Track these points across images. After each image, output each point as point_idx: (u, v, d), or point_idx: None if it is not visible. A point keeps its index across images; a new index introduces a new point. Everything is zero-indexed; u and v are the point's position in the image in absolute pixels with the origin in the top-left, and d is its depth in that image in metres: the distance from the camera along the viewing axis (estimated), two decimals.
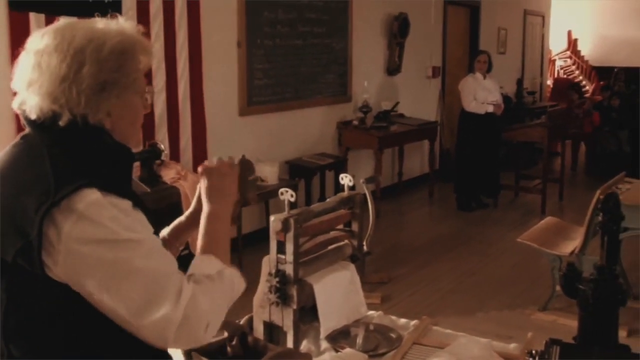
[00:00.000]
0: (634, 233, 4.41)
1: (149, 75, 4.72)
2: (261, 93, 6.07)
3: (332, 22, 6.91)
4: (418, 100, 8.53)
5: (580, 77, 13.76)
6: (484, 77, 7.30)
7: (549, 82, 13.63)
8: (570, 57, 13.98)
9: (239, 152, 1.68)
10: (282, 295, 1.93)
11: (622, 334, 3.83)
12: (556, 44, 13.81)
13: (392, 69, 8.00)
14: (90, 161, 1.35)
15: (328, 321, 2.01)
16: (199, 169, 1.61)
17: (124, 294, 1.28)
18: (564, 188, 8.05)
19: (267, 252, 1.98)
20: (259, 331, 2.01)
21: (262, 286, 1.98)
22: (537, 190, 7.55)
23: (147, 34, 1.51)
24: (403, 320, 2.15)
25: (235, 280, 1.47)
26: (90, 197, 1.28)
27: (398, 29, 7.84)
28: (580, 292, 1.76)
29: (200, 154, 5.27)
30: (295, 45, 6.42)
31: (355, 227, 2.23)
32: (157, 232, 1.47)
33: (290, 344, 1.95)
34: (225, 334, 1.78)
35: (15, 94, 1.40)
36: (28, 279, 1.31)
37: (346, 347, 1.93)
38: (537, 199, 7.51)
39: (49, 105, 1.34)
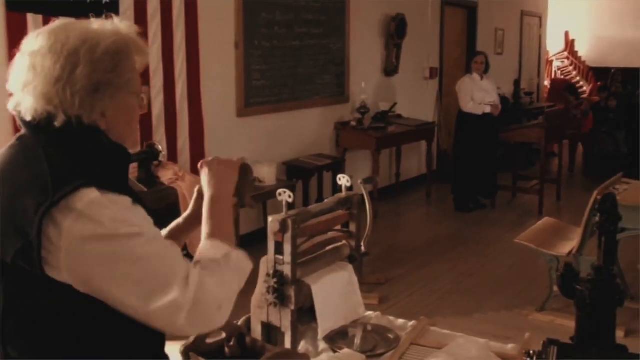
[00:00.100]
0: (631, 233, 4.42)
1: (146, 76, 4.73)
2: (259, 94, 6.07)
3: (330, 23, 6.91)
4: (415, 101, 8.54)
5: (578, 78, 13.79)
6: (482, 78, 7.30)
7: (547, 82, 13.65)
8: (567, 58, 14.01)
9: (237, 153, 1.69)
10: (280, 295, 1.93)
11: (619, 334, 3.83)
12: (553, 45, 13.83)
13: (390, 69, 8.00)
14: (87, 161, 1.35)
15: (326, 322, 2.01)
16: (200, 164, 1.62)
17: (130, 283, 1.29)
18: (562, 189, 8.06)
19: (265, 252, 1.98)
20: (257, 332, 2.01)
21: (260, 287, 1.98)
22: (535, 191, 7.56)
23: (144, 35, 1.51)
24: (401, 321, 2.15)
25: (242, 262, 1.49)
26: (89, 196, 1.28)
27: (395, 30, 7.85)
28: (578, 293, 1.76)
29: (198, 155, 5.26)
30: (292, 46, 6.42)
31: (353, 227, 2.23)
32: None
33: (288, 344, 1.95)
34: (223, 335, 1.78)
35: (11, 95, 1.41)
36: (27, 280, 1.31)
37: (344, 347, 1.93)
38: (534, 200, 7.52)
39: (43, 107, 1.35)
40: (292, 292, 1.93)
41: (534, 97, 11.79)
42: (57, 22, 1.43)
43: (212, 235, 1.49)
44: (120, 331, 1.38)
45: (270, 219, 1.92)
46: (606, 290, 1.73)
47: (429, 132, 7.98)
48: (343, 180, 2.18)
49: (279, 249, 1.93)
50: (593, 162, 9.69)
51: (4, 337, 1.37)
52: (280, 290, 1.93)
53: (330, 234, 2.20)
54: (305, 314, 2.02)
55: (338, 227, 2.23)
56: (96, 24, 1.42)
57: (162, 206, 4.14)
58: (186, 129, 5.24)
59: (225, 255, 1.44)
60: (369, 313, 2.19)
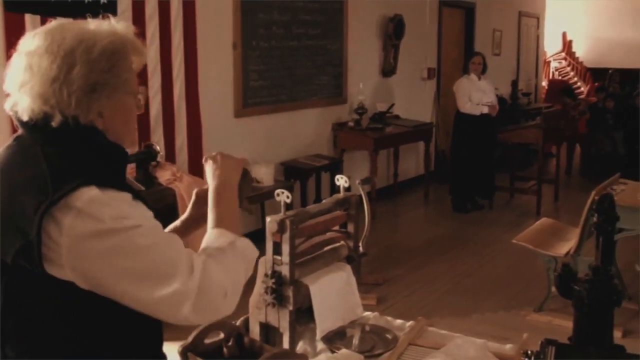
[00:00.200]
0: (628, 234, 4.43)
1: (144, 77, 4.73)
2: (256, 94, 6.07)
3: (327, 24, 6.91)
4: (413, 102, 8.54)
5: (575, 79, 13.80)
6: (479, 79, 7.31)
7: (544, 83, 13.67)
8: (565, 59, 14.03)
9: (235, 153, 1.68)
10: (278, 296, 1.92)
11: (617, 334, 3.83)
12: (551, 46, 13.85)
13: (388, 70, 8.00)
14: (86, 160, 1.36)
15: (324, 322, 2.01)
16: (204, 158, 1.64)
17: (133, 275, 1.29)
18: (559, 189, 8.07)
19: (263, 253, 1.98)
20: (255, 332, 2.01)
21: (258, 287, 1.97)
22: (532, 192, 7.57)
23: (142, 36, 1.51)
24: (399, 321, 2.15)
25: (248, 249, 1.50)
26: (89, 194, 1.28)
27: (393, 31, 7.85)
28: (576, 293, 1.76)
29: (195, 156, 5.26)
30: (290, 47, 6.43)
31: (351, 228, 2.23)
32: None
33: (286, 345, 1.95)
34: (222, 335, 1.78)
35: (8, 95, 1.41)
36: (27, 280, 1.31)
37: (342, 348, 1.93)
38: (532, 200, 7.53)
39: (40, 107, 1.35)
40: (290, 292, 1.93)
41: (531, 97, 11.81)
42: (54, 23, 1.43)
43: (217, 224, 1.51)
44: (119, 331, 1.38)
45: (268, 219, 1.92)
46: (604, 290, 1.73)
47: (427, 132, 7.98)
48: (341, 180, 2.18)
49: (277, 250, 1.93)
50: (591, 162, 9.70)
51: (3, 338, 1.38)
52: (278, 290, 1.92)
53: (329, 235, 2.19)
54: (304, 315, 2.02)
55: (336, 228, 2.23)
56: (93, 24, 1.42)
57: (160, 207, 4.14)
58: (184, 130, 5.24)
59: (230, 243, 1.46)
60: (367, 313, 2.19)
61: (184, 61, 5.19)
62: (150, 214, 1.38)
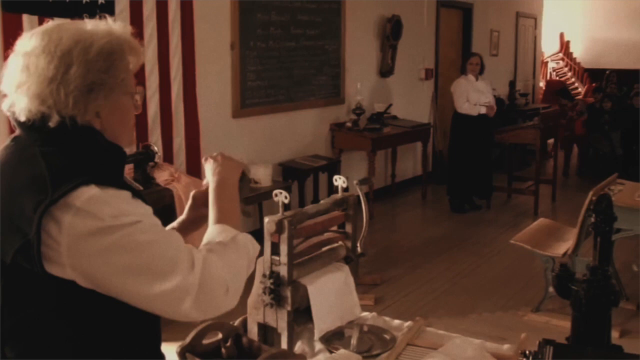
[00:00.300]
0: (626, 234, 4.43)
1: (142, 77, 4.72)
2: (254, 95, 6.07)
3: (325, 24, 6.91)
4: (411, 102, 8.55)
5: (573, 79, 13.82)
6: (477, 79, 7.32)
7: (542, 84, 13.68)
8: (562, 59, 14.04)
9: (233, 154, 1.69)
10: (276, 296, 1.93)
11: (614, 334, 3.84)
12: (548, 46, 13.86)
13: (385, 70, 8.01)
14: (84, 160, 1.36)
15: (322, 322, 2.01)
16: (205, 157, 1.66)
17: (133, 271, 1.29)
18: (557, 190, 8.08)
19: (261, 253, 1.98)
20: (253, 332, 2.01)
21: (256, 288, 1.98)
22: (530, 192, 7.57)
23: (140, 36, 1.51)
24: (397, 322, 2.15)
25: (249, 244, 1.51)
26: (89, 193, 1.28)
27: (391, 31, 7.86)
28: (574, 293, 1.77)
29: (193, 156, 5.26)
30: (288, 47, 6.43)
31: (349, 228, 2.23)
32: None
33: (284, 345, 1.95)
34: (220, 336, 1.78)
35: (5, 96, 1.41)
36: (27, 279, 1.31)
37: (340, 348, 1.93)
38: (529, 201, 7.53)
39: (37, 107, 1.35)
40: (288, 292, 1.93)
41: (529, 98, 11.81)
42: (51, 23, 1.43)
43: (218, 220, 1.52)
44: (118, 331, 1.38)
45: (266, 219, 1.92)
46: (602, 290, 1.74)
47: (425, 133, 7.99)
48: (339, 181, 2.18)
49: (275, 250, 1.93)
50: (588, 163, 9.72)
51: (3, 338, 1.37)
52: (276, 291, 1.93)
53: (327, 235, 2.20)
54: (302, 315, 2.02)
55: (334, 228, 2.23)
56: (90, 24, 1.42)
57: (158, 207, 4.13)
58: (182, 130, 5.23)
59: (232, 238, 1.47)
60: (365, 314, 2.19)
61: (181, 61, 5.19)
62: (149, 210, 1.38)
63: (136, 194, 1.37)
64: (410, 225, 7.21)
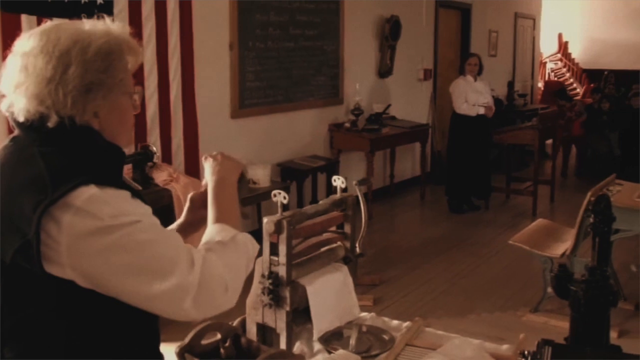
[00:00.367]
0: (624, 235, 4.44)
1: (140, 77, 4.72)
2: (253, 95, 6.07)
3: (324, 25, 6.92)
4: (409, 103, 8.55)
5: (571, 80, 13.83)
6: (475, 80, 7.32)
7: (540, 84, 13.69)
8: (560, 60, 14.05)
9: (232, 155, 1.70)
10: (275, 297, 1.93)
11: (613, 335, 3.85)
12: (547, 47, 13.87)
13: (384, 71, 8.01)
14: (83, 160, 1.35)
15: (321, 323, 2.01)
16: (204, 156, 1.66)
17: (133, 270, 1.29)
18: (555, 190, 8.08)
19: (259, 253, 1.98)
20: (252, 333, 2.01)
21: (255, 288, 1.98)
22: (528, 193, 7.58)
23: (139, 36, 1.51)
24: (395, 322, 2.15)
25: (249, 244, 1.51)
26: (89, 193, 1.28)
27: (390, 32, 7.86)
28: (572, 293, 1.77)
29: (192, 157, 5.26)
30: (286, 48, 6.43)
31: (347, 229, 2.23)
32: None
33: (283, 345, 1.95)
34: (219, 336, 1.78)
35: (3, 96, 1.40)
36: (27, 279, 1.31)
37: (339, 348, 1.93)
38: (528, 201, 7.54)
39: (35, 107, 1.35)
40: (287, 293, 1.93)
41: (527, 98, 11.82)
42: (49, 23, 1.44)
43: (217, 219, 1.52)
44: (117, 331, 1.38)
45: (265, 220, 1.92)
46: (600, 290, 1.74)
47: (423, 133, 7.99)
48: (338, 181, 2.18)
49: (274, 250, 1.93)
50: (586, 163, 9.73)
51: (3, 339, 1.37)
52: (275, 291, 1.92)
53: (325, 235, 2.20)
54: (300, 315, 2.02)
55: (333, 228, 2.23)
56: (88, 24, 1.42)
57: (157, 208, 4.13)
58: (180, 131, 5.23)
59: (232, 238, 1.47)
60: (364, 314, 2.19)
61: (180, 62, 5.18)
62: (149, 210, 1.38)
63: (135, 194, 1.37)
64: (408, 225, 7.21)
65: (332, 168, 6.54)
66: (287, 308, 1.93)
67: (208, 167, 1.63)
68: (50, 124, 1.35)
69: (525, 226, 5.19)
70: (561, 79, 13.88)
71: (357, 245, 2.24)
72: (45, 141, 1.36)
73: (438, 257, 5.86)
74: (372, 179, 7.01)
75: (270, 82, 6.25)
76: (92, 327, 1.35)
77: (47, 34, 1.38)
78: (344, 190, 2.19)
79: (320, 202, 2.17)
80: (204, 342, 1.75)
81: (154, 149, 4.47)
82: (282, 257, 1.92)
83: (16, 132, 1.42)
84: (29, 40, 1.38)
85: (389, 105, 7.61)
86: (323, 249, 2.16)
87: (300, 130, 6.73)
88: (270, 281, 1.92)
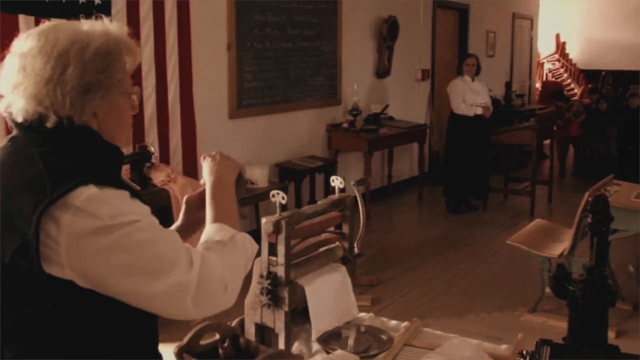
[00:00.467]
0: (622, 235, 4.44)
1: (138, 78, 4.72)
2: (251, 96, 6.07)
3: (322, 25, 6.92)
4: (407, 103, 8.56)
5: (569, 80, 13.85)
6: (473, 80, 7.32)
7: (538, 85, 13.70)
8: (558, 60, 14.08)
9: (230, 155, 1.70)
10: (273, 297, 1.93)
11: (610, 335, 3.85)
12: (544, 47, 13.89)
13: (382, 71, 8.01)
14: (82, 160, 1.36)
15: (319, 323, 2.01)
16: (203, 156, 1.66)
17: (133, 270, 1.30)
18: (553, 190, 8.09)
19: (258, 254, 1.98)
20: (250, 333, 2.01)
21: (254, 288, 1.98)
22: (526, 193, 7.58)
23: (136, 36, 1.51)
24: (394, 322, 2.15)
25: (247, 243, 1.52)
26: (88, 192, 1.28)
27: (387, 32, 7.86)
28: (570, 293, 1.77)
29: (190, 157, 5.26)
30: (284, 48, 6.43)
31: (346, 229, 2.24)
32: None
33: (281, 345, 1.95)
34: (217, 336, 1.78)
35: (1, 97, 1.40)
36: (26, 280, 1.31)
37: (337, 348, 1.93)
38: (526, 201, 7.54)
39: (34, 108, 1.34)
40: (285, 293, 1.93)
41: (525, 99, 11.84)
42: (48, 24, 1.43)
43: (216, 219, 1.52)
44: (115, 331, 1.38)
45: (263, 220, 1.92)
46: (598, 290, 1.74)
47: (421, 134, 7.99)
48: (336, 181, 2.18)
49: (272, 251, 1.93)
50: (584, 164, 9.74)
51: (2, 339, 1.37)
52: (273, 291, 1.92)
53: (324, 236, 2.20)
54: (299, 315, 2.02)
55: (331, 229, 2.23)
56: (86, 25, 1.42)
57: (154, 208, 4.13)
58: (178, 131, 5.23)
59: (231, 237, 1.47)
60: (362, 314, 2.19)
61: (178, 62, 5.18)
62: (147, 210, 1.39)
63: (134, 194, 1.38)
64: (406, 226, 7.22)
65: (330, 168, 6.54)
66: (286, 308, 1.94)
67: (206, 167, 1.63)
68: (49, 124, 1.35)
69: (523, 226, 5.19)
70: (559, 80, 13.89)
71: (355, 245, 2.25)
72: (43, 141, 1.36)
73: (436, 258, 5.86)
74: (370, 179, 7.01)
75: (268, 82, 6.25)
76: (91, 327, 1.35)
77: (46, 34, 1.38)
78: (342, 190, 2.19)
79: (319, 202, 2.17)
80: (203, 342, 1.75)
81: (152, 149, 4.47)
82: (281, 258, 1.92)
83: (14, 132, 1.42)
84: (27, 41, 1.38)
85: (386, 106, 7.61)
86: (321, 249, 2.16)
87: (298, 130, 6.73)
88: (268, 281, 1.92)
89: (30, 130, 1.37)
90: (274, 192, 1.95)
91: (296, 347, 2.01)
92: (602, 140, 9.46)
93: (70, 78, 1.34)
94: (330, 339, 2.01)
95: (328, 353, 1.92)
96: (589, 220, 1.81)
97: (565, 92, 12.74)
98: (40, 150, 1.35)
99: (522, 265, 5.40)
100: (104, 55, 1.38)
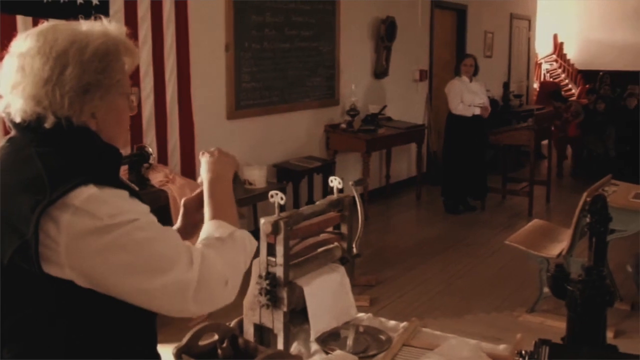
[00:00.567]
0: (620, 235, 4.45)
1: (136, 78, 4.72)
2: (249, 96, 6.07)
3: (320, 26, 6.92)
4: (405, 104, 8.56)
5: (566, 81, 13.86)
6: (471, 80, 7.33)
7: (536, 85, 13.71)
8: (556, 61, 14.09)
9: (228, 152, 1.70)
10: (272, 297, 1.92)
11: (608, 335, 3.85)
12: (542, 48, 13.90)
13: (380, 72, 8.02)
14: (81, 160, 1.36)
15: (318, 323, 2.01)
16: (201, 152, 1.66)
17: (133, 268, 1.30)
18: (551, 191, 8.09)
19: (257, 254, 1.98)
20: (249, 333, 2.01)
21: (253, 288, 1.97)
22: (524, 193, 7.59)
23: (134, 37, 1.51)
24: (392, 322, 2.15)
25: (246, 240, 1.52)
26: (88, 192, 1.28)
27: (385, 32, 7.87)
28: (569, 293, 1.77)
29: (188, 158, 5.25)
30: (282, 49, 6.43)
31: (344, 229, 2.23)
32: None
33: (280, 346, 1.95)
34: (216, 337, 1.78)
35: (0, 97, 1.40)
36: (25, 280, 1.31)
37: (336, 349, 1.93)
38: (524, 202, 7.55)
39: (32, 108, 1.34)
40: (284, 293, 1.93)
41: (523, 99, 11.84)
42: (46, 24, 1.43)
43: (215, 216, 1.52)
44: (114, 331, 1.38)
45: (262, 220, 1.92)
46: (597, 290, 1.74)
47: (419, 134, 8.00)
48: (335, 182, 2.18)
49: (271, 251, 1.93)
50: (582, 164, 9.75)
51: (2, 339, 1.37)
52: (272, 292, 1.92)
53: (322, 236, 2.20)
54: (298, 316, 2.02)
55: (330, 229, 2.23)
56: (85, 25, 1.42)
57: (153, 208, 4.13)
58: (176, 132, 5.23)
59: (230, 234, 1.47)
60: (361, 314, 2.19)
61: (176, 63, 5.18)
62: (147, 209, 1.39)
63: (133, 193, 1.38)
64: (405, 226, 7.22)
65: (328, 169, 6.54)
66: (285, 309, 1.94)
67: (204, 164, 1.63)
68: (47, 125, 1.35)
69: (521, 226, 5.19)
70: (556, 80, 13.90)
71: (354, 245, 2.24)
72: (42, 142, 1.36)
73: (434, 258, 5.86)
74: (368, 179, 7.01)
75: (266, 83, 6.25)
76: (90, 327, 1.35)
77: (44, 34, 1.38)
78: (341, 190, 2.19)
79: (317, 202, 2.17)
80: (202, 342, 1.75)
81: (150, 150, 4.47)
82: (280, 258, 1.92)
83: (12, 132, 1.42)
84: (25, 41, 1.38)
85: (384, 106, 7.61)
86: (320, 250, 2.16)
87: (296, 131, 6.73)
88: (267, 282, 1.92)
89: (29, 131, 1.37)
90: (272, 192, 1.94)
91: (295, 348, 2.01)
92: (600, 141, 9.47)
93: (69, 78, 1.34)
94: (329, 339, 2.01)
95: (327, 353, 1.92)
96: (588, 220, 1.81)
97: (563, 93, 12.76)
98: (38, 151, 1.35)
99: (521, 265, 5.40)
100: (102, 55, 1.38)
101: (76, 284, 1.30)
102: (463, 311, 4.65)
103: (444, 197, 7.55)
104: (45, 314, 1.34)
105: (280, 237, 1.90)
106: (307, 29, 6.74)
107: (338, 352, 1.90)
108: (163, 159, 5.08)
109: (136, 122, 4.75)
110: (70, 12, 4.27)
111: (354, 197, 2.21)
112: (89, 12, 4.34)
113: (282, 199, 1.93)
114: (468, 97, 7.23)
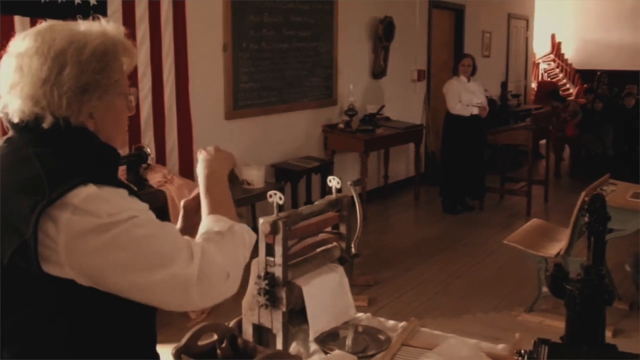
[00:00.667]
0: (618, 234, 4.45)
1: (134, 78, 4.71)
2: (247, 97, 6.07)
3: (318, 26, 6.92)
4: (403, 104, 8.56)
5: (564, 81, 13.87)
6: (469, 80, 7.33)
7: (534, 85, 13.72)
8: (554, 60, 14.09)
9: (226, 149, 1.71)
10: (271, 297, 1.92)
11: (607, 334, 3.85)
12: (540, 47, 13.91)
13: (378, 72, 8.02)
14: (80, 160, 1.35)
15: (317, 323, 2.01)
16: (199, 150, 1.66)
17: (134, 265, 1.30)
18: (549, 190, 8.10)
19: (255, 254, 1.98)
20: (248, 333, 2.00)
21: (251, 289, 1.97)
22: (523, 193, 7.60)
23: (133, 37, 1.51)
24: (391, 322, 2.15)
25: (245, 233, 1.52)
26: (87, 192, 1.28)
27: (383, 32, 7.87)
28: (568, 293, 1.77)
29: (186, 158, 5.25)
30: (280, 49, 6.43)
31: (343, 229, 2.23)
32: None
33: (279, 346, 1.95)
34: (215, 337, 1.77)
35: None
36: (25, 280, 1.31)
37: (335, 349, 1.93)
38: (522, 201, 7.55)
39: (30, 108, 1.34)
40: (283, 293, 1.92)
41: (521, 99, 11.85)
42: (44, 24, 1.43)
43: (213, 211, 1.53)
44: (114, 330, 1.38)
45: (261, 220, 1.92)
46: (596, 290, 1.74)
47: (417, 134, 8.00)
48: (333, 181, 2.18)
49: (269, 251, 1.93)
50: (580, 164, 9.75)
51: (2, 339, 1.37)
52: (271, 292, 1.92)
53: (321, 236, 2.19)
54: (297, 316, 2.02)
55: (328, 229, 2.23)
56: (83, 25, 1.42)
57: (151, 209, 4.12)
58: (174, 132, 5.22)
59: (229, 228, 1.48)
60: (360, 314, 2.19)
61: (174, 63, 5.17)
62: (145, 206, 1.39)
63: (132, 192, 1.38)
64: (403, 226, 7.22)
65: (326, 169, 6.54)
66: (283, 309, 1.93)
67: (201, 161, 1.63)
68: (45, 125, 1.35)
69: (520, 226, 5.20)
70: (554, 80, 13.91)
71: (352, 245, 2.24)
72: (40, 142, 1.36)
73: (433, 258, 5.86)
74: (366, 179, 7.01)
75: (264, 83, 6.25)
76: (90, 326, 1.35)
77: (42, 34, 1.38)
78: (339, 190, 2.19)
79: (316, 202, 2.17)
80: (201, 343, 1.74)
81: (148, 150, 4.46)
82: (278, 258, 1.92)
83: (10, 133, 1.42)
84: (23, 41, 1.38)
85: (382, 106, 7.61)
86: (319, 250, 2.16)
87: (294, 131, 6.73)
88: (266, 282, 1.92)
89: (27, 131, 1.37)
90: (271, 192, 1.94)
91: (294, 348, 2.01)
92: (597, 140, 9.48)
93: (67, 78, 1.34)
94: (328, 339, 2.00)
95: (326, 353, 1.92)
96: (586, 219, 1.81)
97: (560, 92, 12.77)
98: (36, 151, 1.34)
99: (519, 265, 5.40)
100: (101, 55, 1.38)
101: (76, 283, 1.30)
102: (462, 311, 4.65)
103: (442, 197, 7.55)
104: (45, 314, 1.34)
105: (279, 237, 1.90)
106: (305, 29, 6.74)
107: (337, 352, 1.90)
108: (161, 159, 5.08)
109: (134, 123, 4.75)
110: (68, 12, 4.26)
111: (352, 197, 2.21)
112: (87, 12, 4.34)
113: (280, 199, 1.93)
114: (466, 97, 7.23)
